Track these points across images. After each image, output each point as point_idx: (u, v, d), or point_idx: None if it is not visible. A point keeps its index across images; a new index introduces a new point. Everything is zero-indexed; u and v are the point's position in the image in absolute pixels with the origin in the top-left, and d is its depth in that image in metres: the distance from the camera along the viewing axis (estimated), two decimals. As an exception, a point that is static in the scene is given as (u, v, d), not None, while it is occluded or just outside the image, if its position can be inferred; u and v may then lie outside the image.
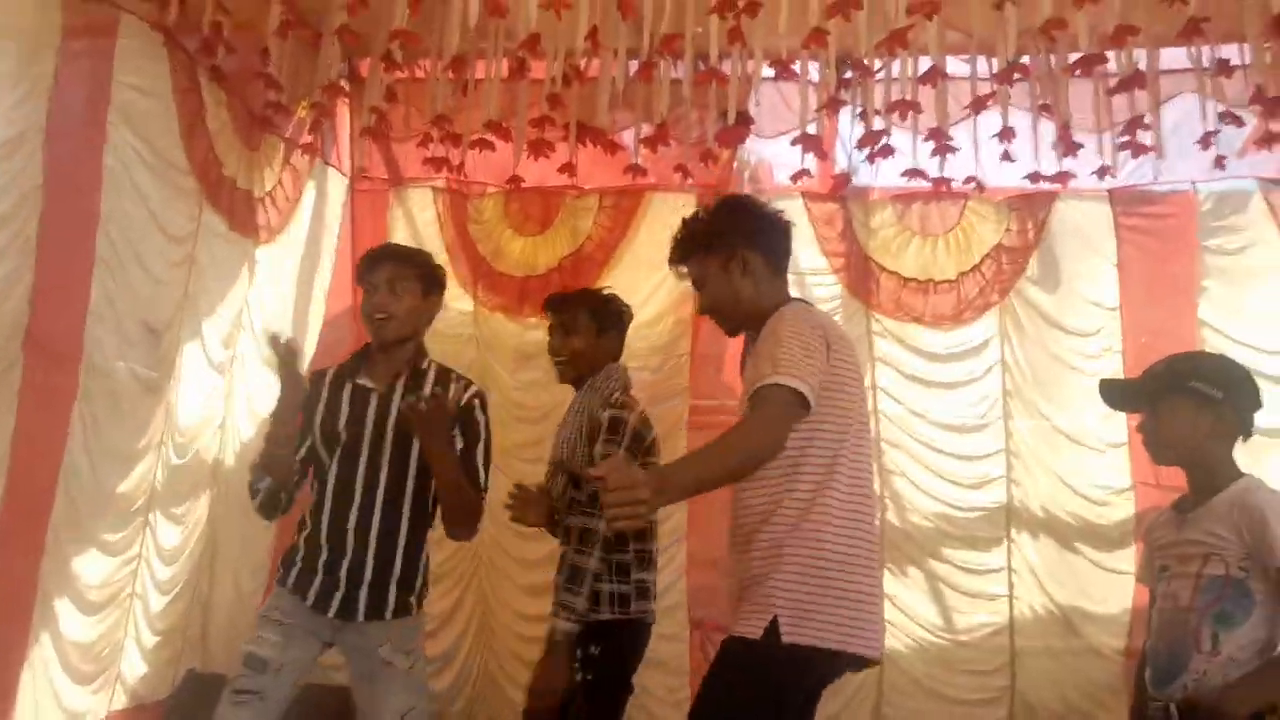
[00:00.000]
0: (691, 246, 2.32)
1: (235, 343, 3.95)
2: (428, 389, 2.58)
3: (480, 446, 2.62)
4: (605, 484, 1.67)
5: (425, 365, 2.65)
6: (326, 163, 4.39)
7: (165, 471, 3.59)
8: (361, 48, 3.57)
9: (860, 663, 2.13)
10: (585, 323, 2.93)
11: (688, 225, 2.36)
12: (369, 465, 2.53)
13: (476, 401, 2.63)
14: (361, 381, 2.60)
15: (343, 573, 2.49)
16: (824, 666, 2.08)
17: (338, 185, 4.52)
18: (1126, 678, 4.00)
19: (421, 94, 3.70)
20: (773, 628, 2.01)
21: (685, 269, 2.35)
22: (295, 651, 2.50)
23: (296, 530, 2.61)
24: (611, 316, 3.00)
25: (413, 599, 2.57)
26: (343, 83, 3.75)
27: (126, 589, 3.47)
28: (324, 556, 2.50)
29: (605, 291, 3.13)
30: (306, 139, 4.09)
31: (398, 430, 2.53)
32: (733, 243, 2.26)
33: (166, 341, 3.47)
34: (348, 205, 4.57)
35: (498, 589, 4.65)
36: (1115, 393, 2.48)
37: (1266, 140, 3.24)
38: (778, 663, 2.01)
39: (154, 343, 3.39)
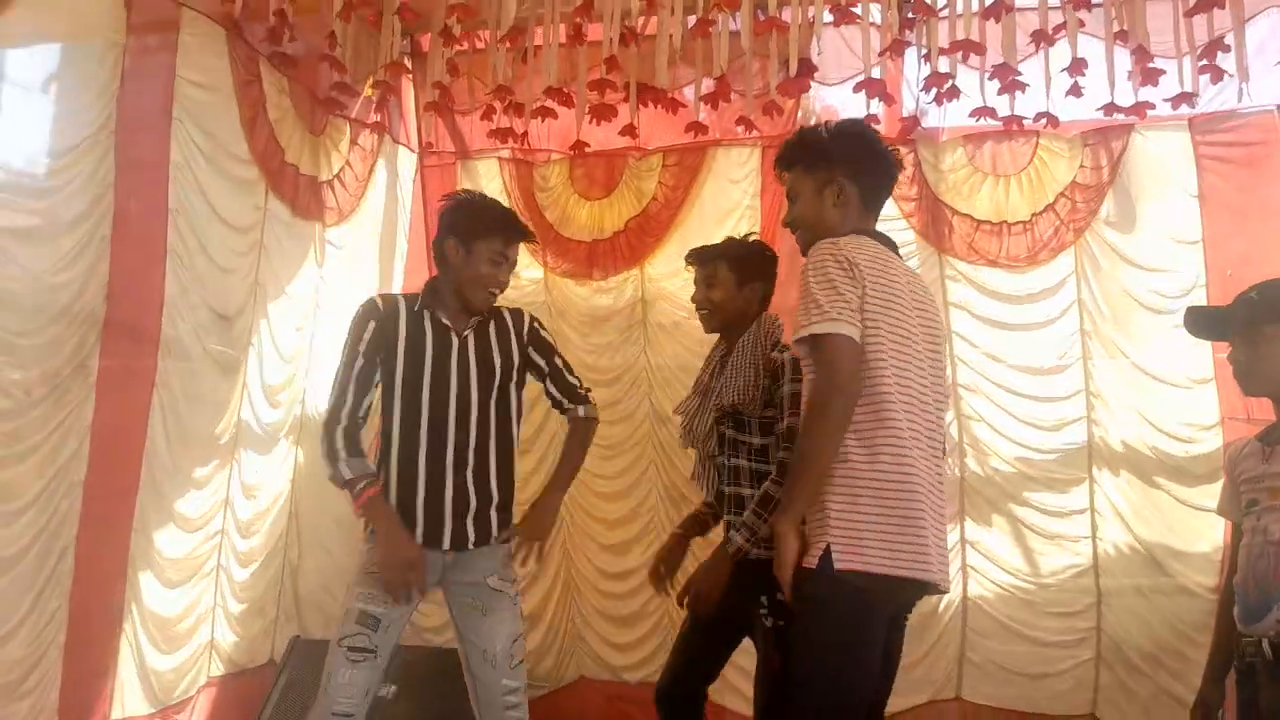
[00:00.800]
0: (796, 158, 2.30)
1: (309, 322, 4.00)
2: (494, 327, 2.72)
3: (559, 359, 2.81)
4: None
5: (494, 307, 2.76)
6: (396, 140, 4.39)
7: (244, 450, 3.67)
8: (421, 24, 3.55)
9: (925, 588, 2.10)
10: (725, 275, 2.95)
11: (801, 135, 2.34)
12: (460, 402, 2.60)
13: (535, 323, 2.82)
14: (441, 318, 2.66)
15: (446, 507, 2.57)
16: (888, 593, 2.04)
17: (408, 161, 4.53)
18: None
19: (482, 65, 3.67)
20: (826, 556, 2.00)
21: (786, 175, 2.33)
22: (402, 606, 2.57)
23: (376, 476, 2.61)
24: (753, 268, 2.99)
25: (512, 521, 2.72)
26: (405, 60, 3.75)
27: (211, 562, 3.57)
28: (422, 495, 2.58)
29: (753, 243, 3.09)
30: (374, 118, 4.09)
31: (482, 367, 2.64)
32: (834, 168, 2.23)
33: (238, 327, 3.53)
34: (418, 180, 4.57)
35: (581, 548, 4.69)
36: (1203, 321, 2.37)
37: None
38: (837, 590, 1.99)
39: (226, 329, 3.46)
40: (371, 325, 2.59)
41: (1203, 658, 3.91)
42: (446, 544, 2.59)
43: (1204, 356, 4.03)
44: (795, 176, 2.29)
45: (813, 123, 2.48)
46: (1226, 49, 3.11)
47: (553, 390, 2.82)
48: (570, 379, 2.83)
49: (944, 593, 2.18)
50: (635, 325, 4.57)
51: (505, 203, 4.47)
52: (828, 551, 1.99)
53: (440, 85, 3.53)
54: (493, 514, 2.66)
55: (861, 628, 2.01)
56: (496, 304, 2.77)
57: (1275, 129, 4.01)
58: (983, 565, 4.30)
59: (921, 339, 2.15)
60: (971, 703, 4.32)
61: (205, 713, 3.57)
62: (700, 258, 3.04)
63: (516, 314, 2.80)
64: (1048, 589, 4.26)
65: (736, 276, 2.95)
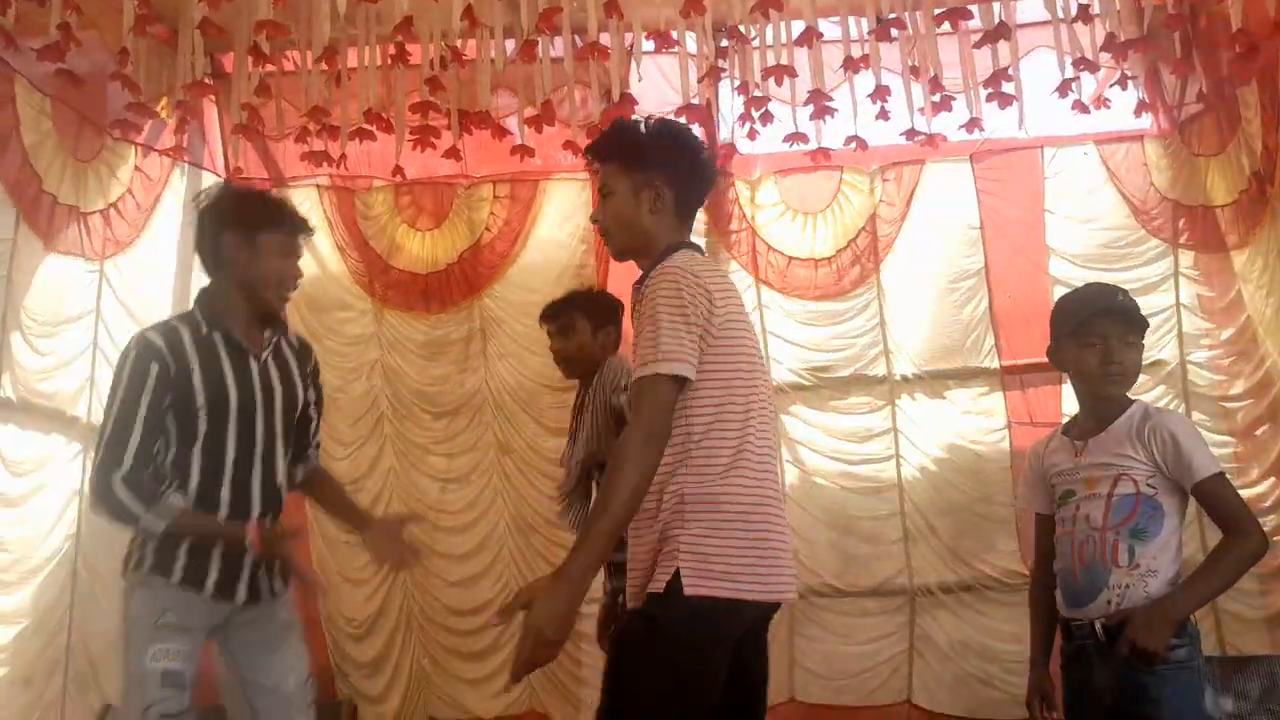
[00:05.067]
0: (613, 153, 1.88)
1: (85, 359, 3.29)
2: (286, 348, 2.16)
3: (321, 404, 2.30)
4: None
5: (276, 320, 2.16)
6: (199, 166, 3.71)
7: None
8: (225, 41, 2.98)
9: (774, 608, 1.79)
10: (581, 324, 2.77)
11: (621, 129, 1.93)
12: (267, 438, 2.06)
13: (317, 360, 2.27)
14: (235, 338, 2.05)
15: (245, 567, 2.02)
16: (733, 617, 1.71)
17: (212, 188, 3.86)
18: (1023, 607, 3.81)
19: (294, 87, 3.10)
20: (675, 580, 1.67)
21: (598, 167, 1.91)
22: (197, 658, 2.00)
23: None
24: (604, 312, 2.78)
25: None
26: (207, 79, 3.14)
27: None
28: (219, 552, 1.99)
29: (598, 291, 2.90)
30: (170, 142, 3.43)
31: (286, 395, 2.10)
32: (655, 172, 1.83)
33: None
34: (226, 208, 3.90)
35: (426, 586, 4.08)
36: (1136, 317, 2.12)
37: (1120, 82, 3.00)
38: (682, 615, 1.67)
39: None
40: (155, 369, 1.96)
41: (1006, 642, 3.97)
42: (242, 597, 2.02)
43: (992, 372, 3.99)
44: (610, 172, 1.88)
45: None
46: (1009, 78, 3.00)
47: (309, 436, 2.25)
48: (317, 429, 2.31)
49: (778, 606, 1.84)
50: (475, 356, 4.06)
51: (329, 234, 3.89)
52: (676, 576, 1.67)
53: (249, 106, 2.96)
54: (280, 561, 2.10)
55: (704, 654, 1.69)
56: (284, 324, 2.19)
57: (1036, 164, 4.01)
58: (807, 577, 4.02)
59: (754, 351, 1.85)
60: (804, 703, 4.04)
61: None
62: (553, 312, 2.82)
63: (304, 344, 2.25)
64: (867, 593, 4.05)
65: (592, 324, 2.76)
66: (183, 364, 1.97)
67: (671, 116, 3.10)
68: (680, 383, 1.68)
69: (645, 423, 1.66)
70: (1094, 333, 2.01)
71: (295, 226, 2.10)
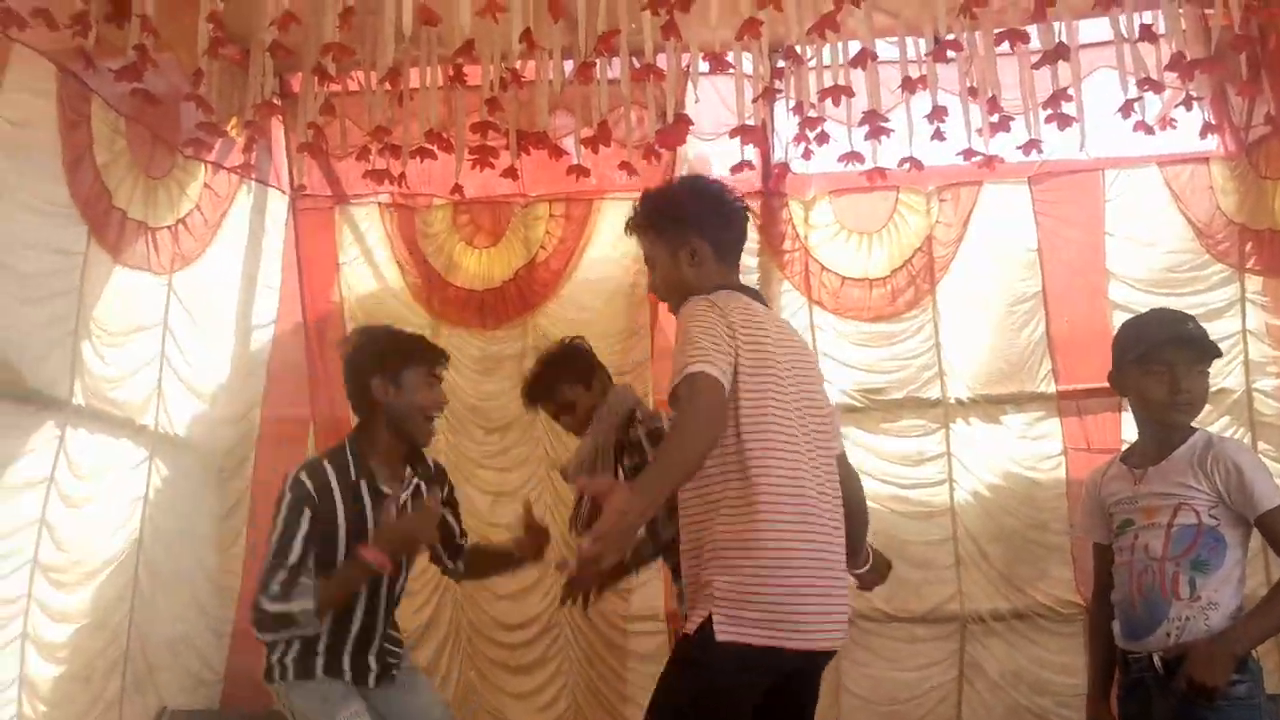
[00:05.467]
0: (647, 224, 2.00)
1: (152, 368, 3.40)
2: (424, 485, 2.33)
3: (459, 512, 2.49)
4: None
5: (419, 459, 2.34)
6: (265, 183, 3.82)
7: (59, 502, 3.03)
8: (293, 63, 3.08)
9: (813, 656, 1.79)
10: (571, 390, 2.72)
11: (648, 201, 2.03)
12: (393, 573, 2.25)
13: (450, 481, 2.46)
14: (379, 485, 2.23)
15: (373, 654, 2.25)
16: (767, 663, 1.73)
17: (278, 204, 3.94)
18: (1077, 638, 3.70)
19: (358, 107, 3.20)
20: (707, 625, 1.72)
21: (641, 240, 2.02)
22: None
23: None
24: (582, 366, 2.75)
25: None
26: (275, 99, 3.25)
27: (14, 628, 2.91)
28: (351, 646, 2.21)
29: (562, 348, 2.81)
30: (238, 160, 3.54)
31: None
32: (685, 231, 1.94)
33: (39, 374, 2.94)
34: (291, 224, 3.98)
35: (475, 598, 4.11)
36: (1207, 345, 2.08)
37: (1185, 103, 2.94)
38: (713, 660, 1.73)
39: (15, 377, 2.86)
40: (307, 515, 2.14)
41: (1059, 674, 3.87)
42: (373, 682, 2.25)
43: (1049, 396, 3.90)
44: (649, 242, 2.00)
45: (659, 183, 2.22)
46: (1070, 99, 2.96)
47: (456, 537, 2.44)
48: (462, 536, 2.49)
49: (832, 653, 1.85)
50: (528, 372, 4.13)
51: (389, 251, 4.03)
52: (709, 620, 1.73)
53: (314, 126, 3.05)
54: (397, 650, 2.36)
55: (726, 696, 1.75)
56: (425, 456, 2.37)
57: (1097, 187, 3.94)
58: (856, 601, 3.95)
59: (797, 386, 1.86)
60: (850, 730, 3.96)
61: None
62: (539, 397, 2.78)
63: (440, 470, 2.41)
64: (917, 619, 3.97)
65: (582, 384, 2.73)
66: (329, 508, 2.15)
67: (724, 135, 3.15)
68: (716, 383, 1.71)
69: (699, 406, 1.70)
70: (1160, 360, 1.96)
71: (435, 359, 2.27)
